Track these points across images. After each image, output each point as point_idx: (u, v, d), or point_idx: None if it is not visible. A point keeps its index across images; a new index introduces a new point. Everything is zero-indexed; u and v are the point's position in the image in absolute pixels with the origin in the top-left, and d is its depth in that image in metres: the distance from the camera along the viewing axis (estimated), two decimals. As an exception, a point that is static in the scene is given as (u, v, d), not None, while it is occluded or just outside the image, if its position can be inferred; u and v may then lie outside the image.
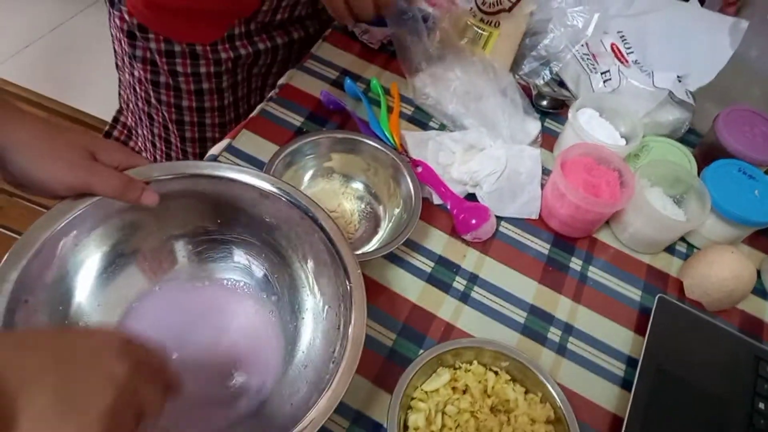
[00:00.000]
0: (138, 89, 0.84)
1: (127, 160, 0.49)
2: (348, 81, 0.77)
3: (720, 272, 0.64)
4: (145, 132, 0.91)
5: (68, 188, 0.46)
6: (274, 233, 0.54)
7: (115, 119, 0.98)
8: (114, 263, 0.51)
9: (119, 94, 0.93)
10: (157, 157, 0.92)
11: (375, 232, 0.66)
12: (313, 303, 0.54)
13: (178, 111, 0.84)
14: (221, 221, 0.55)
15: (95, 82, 1.47)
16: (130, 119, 0.95)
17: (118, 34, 0.80)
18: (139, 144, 0.96)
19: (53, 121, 0.47)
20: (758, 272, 0.70)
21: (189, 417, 0.50)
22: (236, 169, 0.53)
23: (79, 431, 0.30)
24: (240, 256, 0.56)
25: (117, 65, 0.88)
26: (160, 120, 0.86)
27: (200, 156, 0.87)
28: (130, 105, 0.91)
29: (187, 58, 0.77)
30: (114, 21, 0.79)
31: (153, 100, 0.84)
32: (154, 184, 0.50)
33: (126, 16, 0.75)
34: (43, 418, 0.30)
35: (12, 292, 0.43)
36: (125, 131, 0.98)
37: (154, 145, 0.91)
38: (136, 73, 0.82)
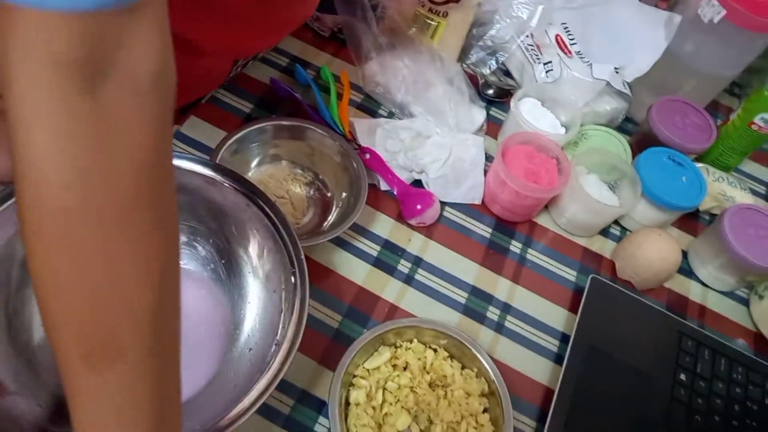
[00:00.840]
0: None
1: None
2: (298, 68, 0.78)
3: (647, 253, 0.68)
4: None
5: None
6: (219, 219, 0.56)
7: None
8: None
9: None
10: None
11: (324, 217, 0.68)
12: (257, 287, 0.55)
13: None
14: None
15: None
16: None
17: None
18: None
19: None
20: (685, 253, 0.74)
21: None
22: (182, 156, 0.54)
23: None
24: (184, 240, 0.57)
25: None
26: None
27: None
28: None
29: None
30: None
31: None
32: None
33: None
34: None
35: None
36: None
37: None
38: None
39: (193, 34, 0.56)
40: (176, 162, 0.53)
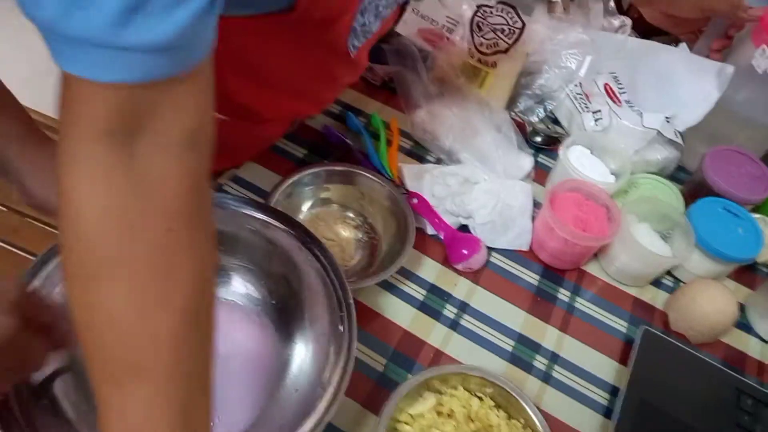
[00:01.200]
0: None
1: None
2: (350, 115, 0.81)
3: (704, 306, 0.66)
4: None
5: None
6: (273, 261, 0.57)
7: None
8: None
9: None
10: None
11: (371, 260, 0.69)
12: (306, 329, 0.56)
13: None
14: (223, 248, 0.58)
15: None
16: None
17: None
18: None
19: None
20: (742, 306, 0.72)
21: None
22: (241, 200, 0.56)
23: None
24: (238, 281, 0.59)
25: None
26: None
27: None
28: None
29: None
30: None
31: None
32: None
33: None
34: None
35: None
36: None
37: None
38: None
39: (255, 104, 0.61)
40: (236, 207, 0.56)
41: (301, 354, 0.56)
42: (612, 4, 0.93)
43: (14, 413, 0.43)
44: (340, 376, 0.49)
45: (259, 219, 0.56)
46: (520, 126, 0.85)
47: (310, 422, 0.47)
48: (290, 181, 0.67)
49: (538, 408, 0.55)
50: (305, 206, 0.70)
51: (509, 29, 0.83)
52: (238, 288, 0.59)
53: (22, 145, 0.48)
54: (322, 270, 0.55)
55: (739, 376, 0.64)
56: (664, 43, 0.87)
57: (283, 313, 0.58)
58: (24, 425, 0.43)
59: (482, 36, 0.84)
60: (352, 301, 0.53)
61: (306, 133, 0.80)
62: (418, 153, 0.82)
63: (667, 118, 0.80)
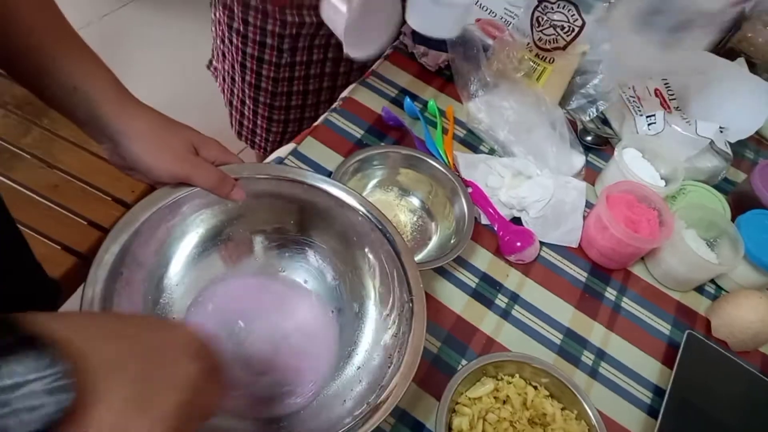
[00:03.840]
0: (216, 29, 0.97)
1: (222, 156, 0.53)
2: (407, 100, 0.81)
3: (747, 315, 0.67)
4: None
5: (172, 177, 0.50)
6: (345, 241, 0.58)
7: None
8: (202, 250, 0.56)
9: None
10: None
11: (423, 245, 0.70)
12: (374, 310, 0.57)
13: (243, 56, 0.93)
14: (299, 223, 0.59)
15: (138, 73, 1.52)
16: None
17: None
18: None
19: (165, 116, 0.51)
20: (782, 319, 0.73)
21: (239, 406, 0.53)
22: (318, 177, 0.57)
23: (151, 426, 0.31)
24: (312, 258, 0.60)
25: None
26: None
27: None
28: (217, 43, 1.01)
29: (258, 13, 0.87)
30: None
31: (226, 40, 0.94)
32: (243, 182, 0.54)
33: None
34: (121, 409, 0.30)
35: (113, 263, 0.47)
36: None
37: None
38: (217, 15, 0.93)
39: None
40: (313, 182, 0.56)
41: (369, 335, 0.57)
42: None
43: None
44: (411, 360, 0.50)
45: (335, 197, 0.56)
46: (572, 124, 0.86)
47: (383, 400, 0.48)
48: (359, 157, 0.67)
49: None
50: (370, 185, 0.70)
51: (569, 26, 0.83)
52: (312, 264, 0.60)
53: (120, 107, 0.48)
54: (394, 254, 0.56)
55: (778, 386, 0.66)
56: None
57: (352, 292, 0.59)
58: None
59: (542, 31, 0.84)
60: (421, 285, 0.54)
61: (364, 113, 0.80)
62: (472, 142, 0.82)
63: (721, 128, 0.81)
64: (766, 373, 0.69)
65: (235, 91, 1.02)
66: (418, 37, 0.89)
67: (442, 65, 0.89)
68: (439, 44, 0.87)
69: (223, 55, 1.00)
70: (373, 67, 0.87)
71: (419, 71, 0.88)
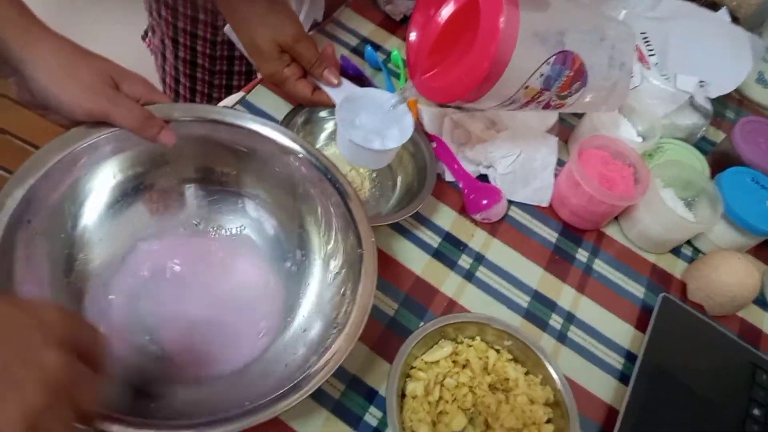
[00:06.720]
0: None
1: (149, 94, 0.47)
2: (369, 49, 0.76)
3: (725, 277, 0.64)
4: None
5: (86, 113, 0.44)
6: (288, 191, 0.53)
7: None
8: (122, 198, 0.49)
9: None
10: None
11: (384, 201, 0.65)
12: (320, 266, 0.52)
13: (174, 30, 0.82)
14: (237, 172, 0.53)
15: (103, 32, 1.43)
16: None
17: None
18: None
19: (78, 45, 0.45)
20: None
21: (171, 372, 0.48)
22: (259, 120, 0.51)
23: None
24: (252, 210, 0.54)
25: None
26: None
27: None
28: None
29: None
30: None
31: (153, 12, 0.83)
32: (173, 124, 0.48)
33: None
34: None
35: (15, 209, 0.41)
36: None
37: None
38: None
39: None
40: (253, 126, 0.50)
41: (313, 293, 0.52)
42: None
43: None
44: (357, 318, 0.45)
45: (279, 144, 0.51)
46: (546, 78, 0.80)
47: (321, 363, 0.44)
48: (306, 108, 0.61)
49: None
50: (323, 136, 0.65)
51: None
52: (252, 217, 0.55)
53: (25, 33, 0.42)
54: (344, 206, 0.50)
55: (755, 351, 0.62)
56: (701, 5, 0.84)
57: (296, 249, 0.54)
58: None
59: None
60: (373, 239, 0.49)
61: (321, 63, 0.74)
62: (438, 96, 0.77)
63: (701, 82, 0.76)
64: (743, 337, 0.65)
65: (167, 68, 0.90)
66: (382, -16, 0.82)
67: (408, 14, 0.83)
68: (405, -8, 0.81)
69: (152, 29, 0.88)
70: (334, 15, 0.81)
71: (383, 20, 0.82)
